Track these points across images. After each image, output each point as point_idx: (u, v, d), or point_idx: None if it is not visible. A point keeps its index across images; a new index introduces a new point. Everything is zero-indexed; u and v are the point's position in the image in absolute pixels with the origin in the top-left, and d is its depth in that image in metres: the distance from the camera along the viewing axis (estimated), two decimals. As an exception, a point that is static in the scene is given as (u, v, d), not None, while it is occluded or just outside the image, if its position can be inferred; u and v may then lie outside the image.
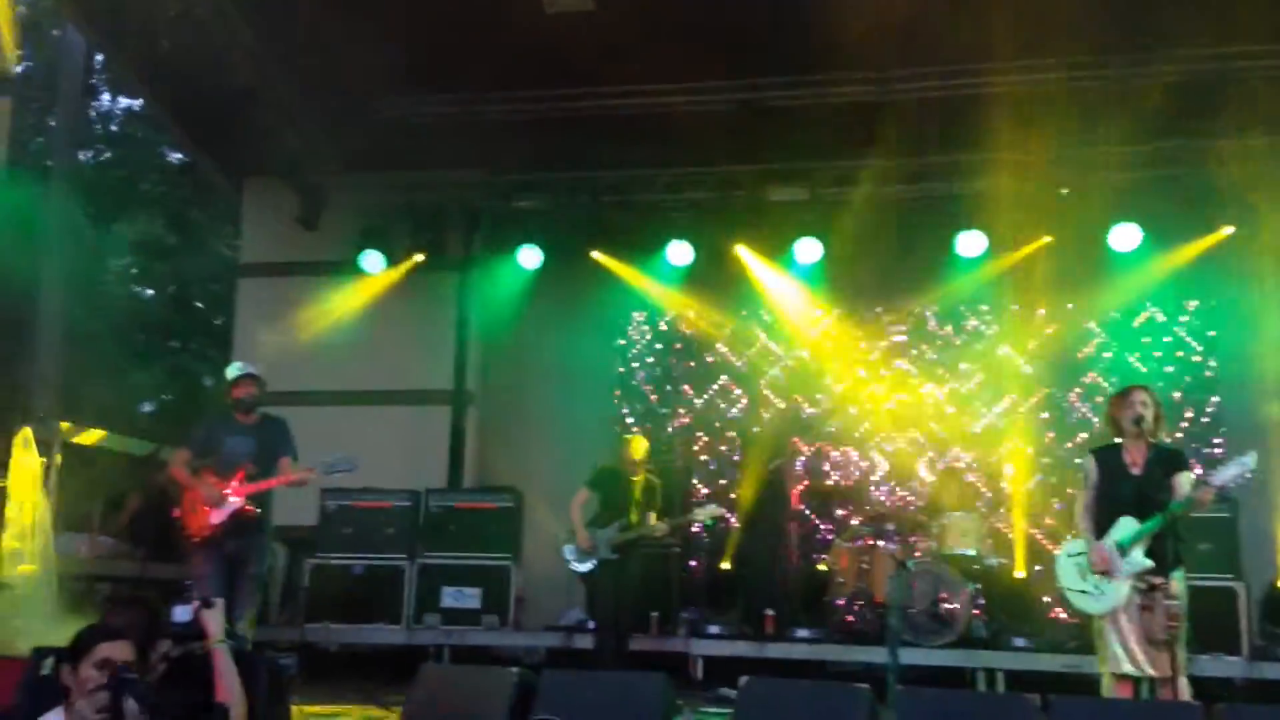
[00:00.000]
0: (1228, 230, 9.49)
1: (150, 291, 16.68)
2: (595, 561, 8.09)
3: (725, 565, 9.88)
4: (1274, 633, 8.33)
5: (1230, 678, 7.85)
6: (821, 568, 9.54)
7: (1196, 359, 10.23)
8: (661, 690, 5.33)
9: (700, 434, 11.03)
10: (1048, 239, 9.90)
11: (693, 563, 10.31)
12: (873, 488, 10.62)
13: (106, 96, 16.94)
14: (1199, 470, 6.53)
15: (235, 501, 6.69)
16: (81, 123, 13.54)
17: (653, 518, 8.17)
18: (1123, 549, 5.54)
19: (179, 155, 15.84)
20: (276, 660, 5.69)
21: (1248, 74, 8.79)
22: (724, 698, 7.71)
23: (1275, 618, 8.45)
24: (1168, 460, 5.68)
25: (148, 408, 15.65)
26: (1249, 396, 9.64)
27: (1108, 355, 10.39)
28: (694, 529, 10.32)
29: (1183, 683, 5.42)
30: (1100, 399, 10.06)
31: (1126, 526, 5.56)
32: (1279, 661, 8.07)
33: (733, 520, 10.08)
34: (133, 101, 16.52)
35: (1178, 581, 5.49)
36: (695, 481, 10.80)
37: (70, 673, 3.67)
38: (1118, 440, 5.85)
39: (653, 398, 11.23)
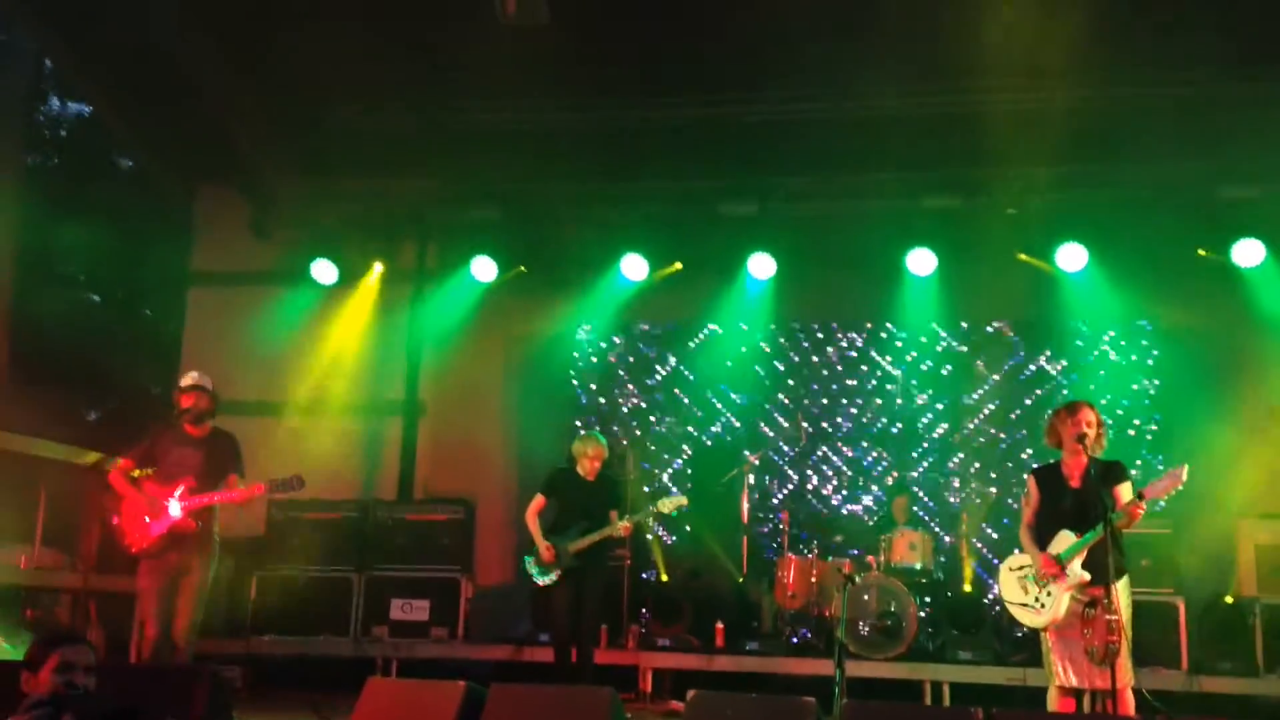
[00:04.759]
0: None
1: (98, 298, 16.44)
2: (558, 573, 7.56)
3: (664, 578, 9.90)
4: (1220, 648, 8.48)
5: (1170, 690, 7.96)
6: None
7: (1140, 379, 10.40)
8: (609, 704, 5.33)
9: (652, 446, 11.04)
10: (994, 257, 10.04)
11: (644, 575, 10.31)
12: (822, 502, 10.70)
13: (55, 101, 16.72)
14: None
15: (176, 514, 6.59)
16: (29, 127, 13.34)
17: (614, 516, 7.62)
18: (1061, 563, 5.61)
19: (129, 161, 15.64)
20: (220, 672, 5.60)
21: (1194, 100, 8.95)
22: (672, 711, 7.72)
23: (1221, 633, 8.59)
24: (1105, 472, 5.70)
25: (93, 416, 15.41)
26: (1191, 417, 9.82)
27: (1055, 372, 10.54)
28: (647, 536, 10.32)
29: (1127, 696, 5.47)
30: (1045, 416, 10.21)
31: (1065, 540, 5.63)
32: (1218, 675, 8.24)
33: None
34: (82, 106, 16.31)
35: (1121, 593, 5.55)
36: (646, 490, 10.81)
37: (31, 680, 3.70)
38: (1056, 457, 5.93)
39: (605, 410, 11.24)
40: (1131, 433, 10.14)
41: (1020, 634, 8.34)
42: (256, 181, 10.53)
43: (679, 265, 10.44)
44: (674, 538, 10.47)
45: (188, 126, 10.38)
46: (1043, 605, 5.65)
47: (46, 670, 3.71)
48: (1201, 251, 9.53)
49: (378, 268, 10.94)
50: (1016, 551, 6.04)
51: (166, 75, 9.54)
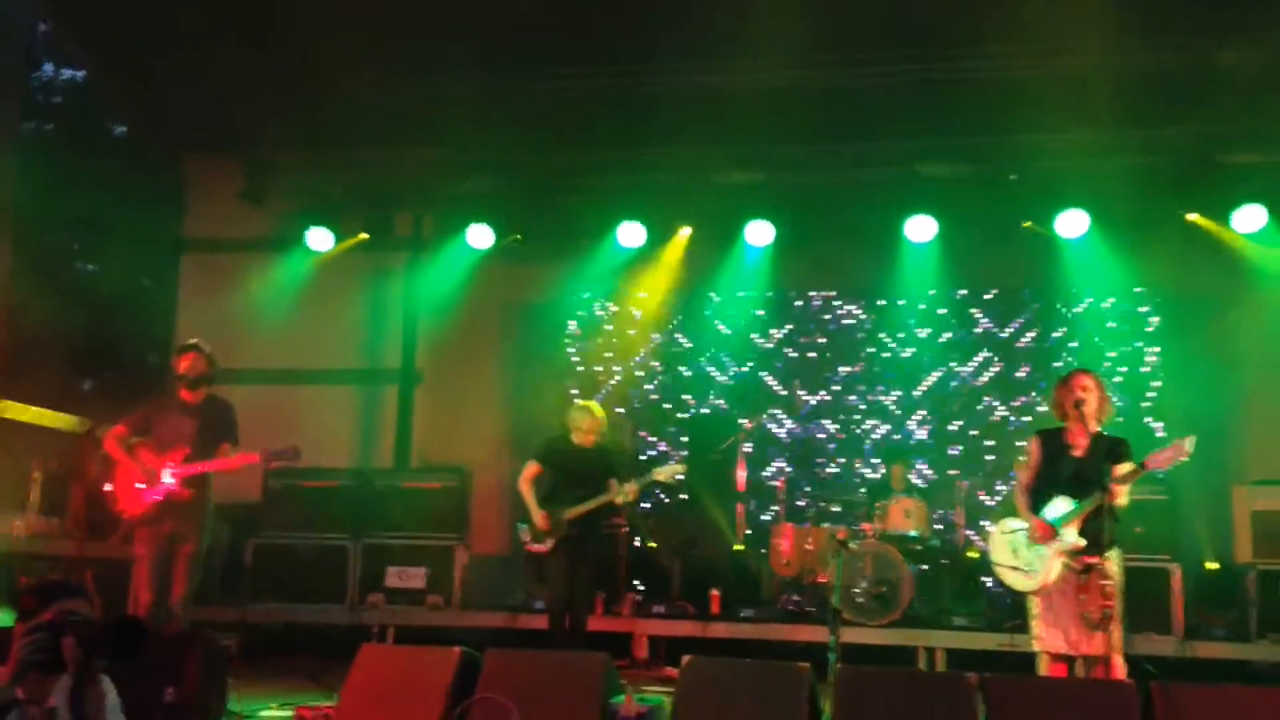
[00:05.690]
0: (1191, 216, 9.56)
1: (93, 267, 16.38)
2: (553, 541, 7.51)
3: (652, 545, 9.91)
4: (1215, 613, 8.52)
5: (1163, 656, 7.99)
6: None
7: (1138, 345, 10.37)
8: (604, 670, 5.35)
9: (648, 415, 11.02)
10: (993, 224, 9.98)
11: (639, 543, 10.32)
12: (818, 470, 10.70)
13: (49, 66, 16.58)
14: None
15: (170, 482, 6.60)
16: (23, 93, 13.21)
17: (612, 484, 7.54)
18: (1055, 528, 5.60)
19: (122, 128, 15.53)
20: (216, 640, 5.61)
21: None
22: (667, 678, 7.74)
23: (1216, 599, 8.64)
24: (1111, 446, 5.70)
25: (89, 385, 15.39)
26: (1188, 384, 9.81)
27: (1053, 339, 10.51)
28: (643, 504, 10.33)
29: (1118, 661, 5.50)
30: (1043, 383, 10.21)
31: (1061, 506, 5.63)
32: (1210, 640, 8.28)
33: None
34: (76, 72, 16.17)
35: (1113, 561, 5.56)
36: (643, 459, 10.79)
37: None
38: (1062, 423, 5.92)
39: (601, 378, 11.21)
40: (1129, 399, 10.11)
41: (1010, 599, 8.35)
42: (251, 149, 10.44)
43: (688, 229, 10.38)
44: (666, 505, 10.48)
45: (182, 93, 10.29)
46: (1033, 569, 5.66)
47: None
48: (1197, 218, 9.49)
49: (364, 235, 10.88)
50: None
51: (162, 41, 9.46)
